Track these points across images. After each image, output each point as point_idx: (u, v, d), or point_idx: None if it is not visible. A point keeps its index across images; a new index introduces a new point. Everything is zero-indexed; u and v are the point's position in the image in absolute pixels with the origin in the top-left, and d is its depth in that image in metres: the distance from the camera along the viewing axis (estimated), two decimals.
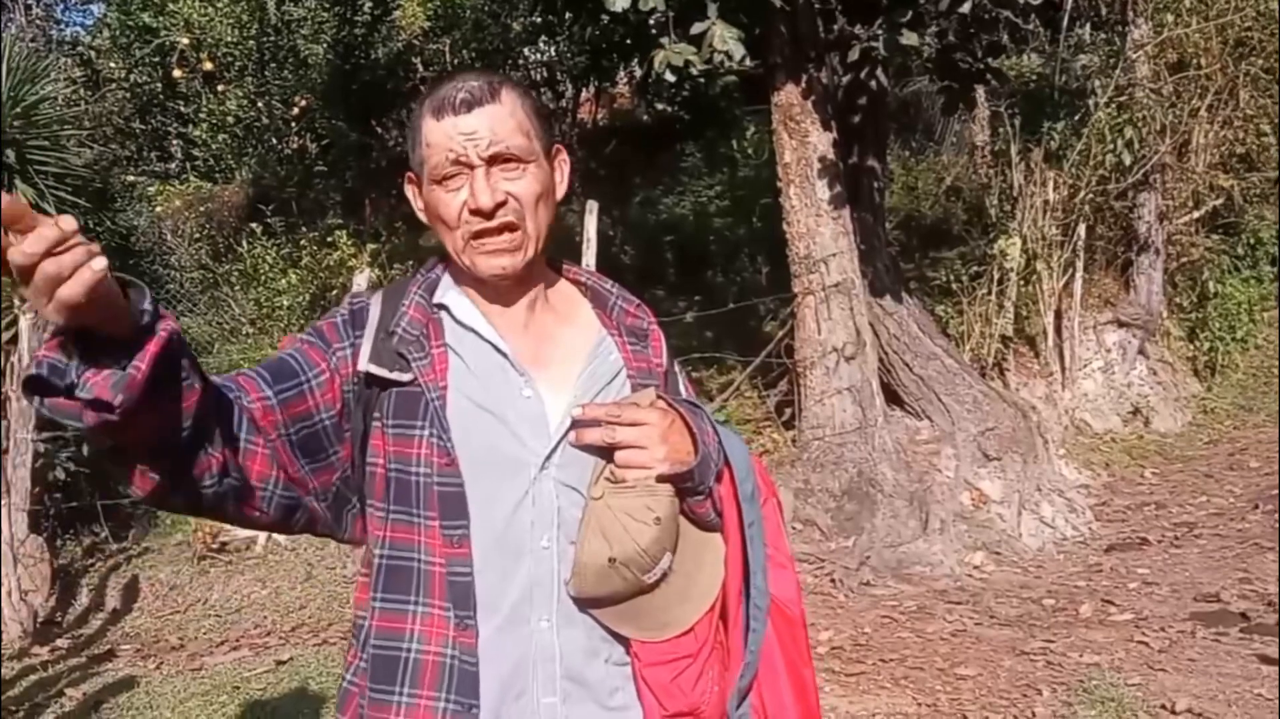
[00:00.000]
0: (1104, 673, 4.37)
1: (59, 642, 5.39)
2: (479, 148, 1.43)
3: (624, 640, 1.49)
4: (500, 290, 1.51)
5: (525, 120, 1.46)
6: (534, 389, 1.49)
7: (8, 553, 5.40)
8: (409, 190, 1.56)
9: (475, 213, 1.44)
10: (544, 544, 1.45)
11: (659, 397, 1.50)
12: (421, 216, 1.55)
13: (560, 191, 1.56)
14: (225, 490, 1.32)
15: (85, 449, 6.77)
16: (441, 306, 1.53)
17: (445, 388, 1.46)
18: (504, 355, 1.49)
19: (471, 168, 1.43)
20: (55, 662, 5.11)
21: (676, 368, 1.68)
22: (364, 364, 1.46)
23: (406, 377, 1.45)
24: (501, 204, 1.43)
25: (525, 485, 1.45)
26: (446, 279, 1.56)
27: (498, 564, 1.44)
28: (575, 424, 1.46)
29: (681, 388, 1.66)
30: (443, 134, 1.44)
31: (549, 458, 1.46)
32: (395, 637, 1.45)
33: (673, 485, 1.45)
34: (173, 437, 1.22)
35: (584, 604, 1.46)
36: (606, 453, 1.48)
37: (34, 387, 1.12)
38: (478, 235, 1.45)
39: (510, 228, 1.45)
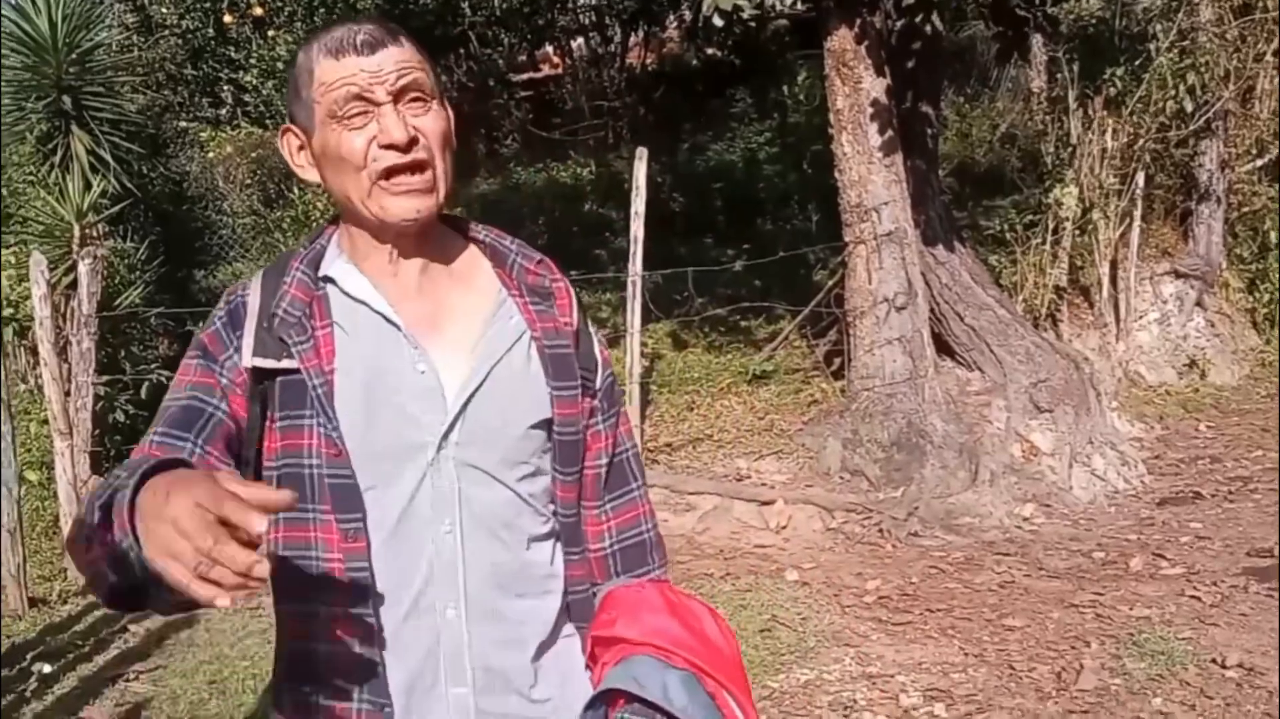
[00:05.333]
0: (1154, 627, 4.35)
1: None
2: (386, 84, 1.32)
3: (553, 635, 1.45)
4: (393, 253, 1.40)
5: (422, 60, 1.37)
6: (428, 362, 1.38)
7: (71, 493, 5.53)
8: (284, 144, 1.43)
9: (388, 148, 1.32)
10: (445, 529, 1.37)
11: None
12: (301, 172, 1.43)
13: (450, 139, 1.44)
14: None
15: (143, 393, 6.90)
16: (328, 280, 1.42)
17: (332, 371, 1.35)
18: (397, 328, 1.38)
19: (377, 104, 1.32)
20: None
21: (591, 328, 1.55)
22: (248, 360, 1.35)
23: (292, 363, 1.35)
24: (413, 141, 1.33)
25: (422, 468, 1.36)
26: (333, 249, 1.45)
27: (397, 555, 1.36)
28: None
29: (596, 352, 1.52)
30: (343, 72, 1.32)
31: (446, 435, 1.37)
32: (305, 640, 1.39)
33: None
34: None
35: None
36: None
37: (114, 593, 1.16)
38: (389, 174, 1.33)
39: (422, 166, 1.34)
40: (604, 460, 1.52)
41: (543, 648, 1.44)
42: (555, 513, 1.47)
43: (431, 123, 1.35)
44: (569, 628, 1.49)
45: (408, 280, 1.41)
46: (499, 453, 1.40)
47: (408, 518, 1.36)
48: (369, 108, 1.32)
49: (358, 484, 1.34)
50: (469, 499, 1.38)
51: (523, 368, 1.43)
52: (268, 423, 1.37)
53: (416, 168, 1.34)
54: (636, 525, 1.55)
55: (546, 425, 1.43)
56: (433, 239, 1.43)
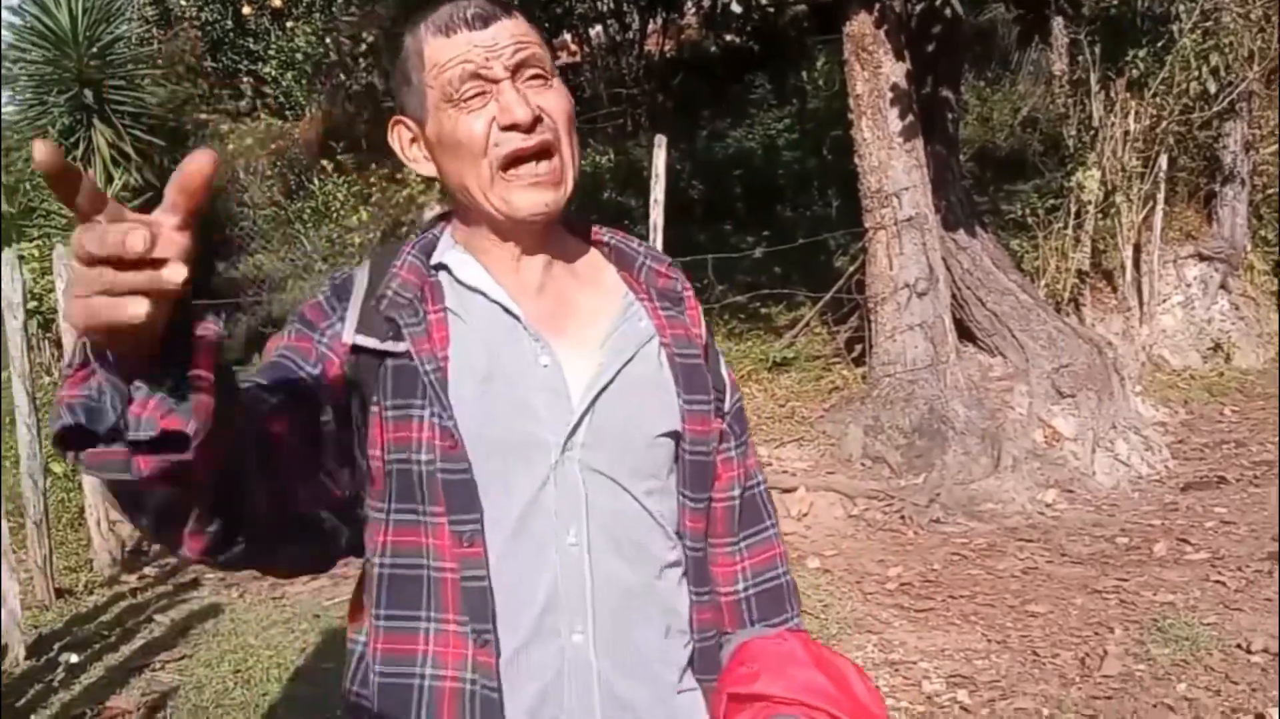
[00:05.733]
0: (1178, 612, 4.33)
1: (146, 570, 5.55)
2: (503, 58, 1.21)
3: (680, 682, 1.29)
4: (514, 249, 1.29)
5: (538, 36, 1.26)
6: (551, 356, 1.25)
7: (96, 484, 5.57)
8: (395, 138, 1.32)
9: (509, 129, 1.21)
10: (571, 540, 1.22)
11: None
12: (415, 166, 1.32)
13: None
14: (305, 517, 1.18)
15: None
16: (441, 267, 1.30)
17: (445, 358, 1.22)
18: (515, 318, 1.26)
19: (495, 81, 1.21)
20: (144, 589, 5.27)
21: (718, 348, 1.43)
22: (349, 335, 1.23)
23: (401, 346, 1.22)
24: (537, 120, 1.21)
25: (545, 471, 1.22)
26: (446, 239, 1.33)
27: (516, 567, 1.21)
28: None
29: (724, 372, 1.41)
30: (455, 50, 1.21)
31: (571, 436, 1.23)
32: (404, 662, 1.22)
33: None
34: (235, 464, 1.01)
35: None
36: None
37: (68, 440, 0.87)
38: (512, 164, 1.22)
39: (548, 152, 1.22)
40: (736, 492, 1.38)
41: (671, 693, 1.28)
42: (684, 544, 1.31)
43: (555, 101, 1.24)
44: (691, 679, 1.31)
45: (529, 277, 1.30)
46: (628, 460, 1.26)
47: (528, 525, 1.22)
48: (486, 86, 1.22)
49: (474, 480, 1.20)
50: (596, 509, 1.24)
51: (653, 373, 1.30)
52: (376, 410, 1.23)
53: (542, 154, 1.23)
54: (773, 568, 1.41)
55: (674, 439, 1.30)
56: (555, 237, 1.32)
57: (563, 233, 1.34)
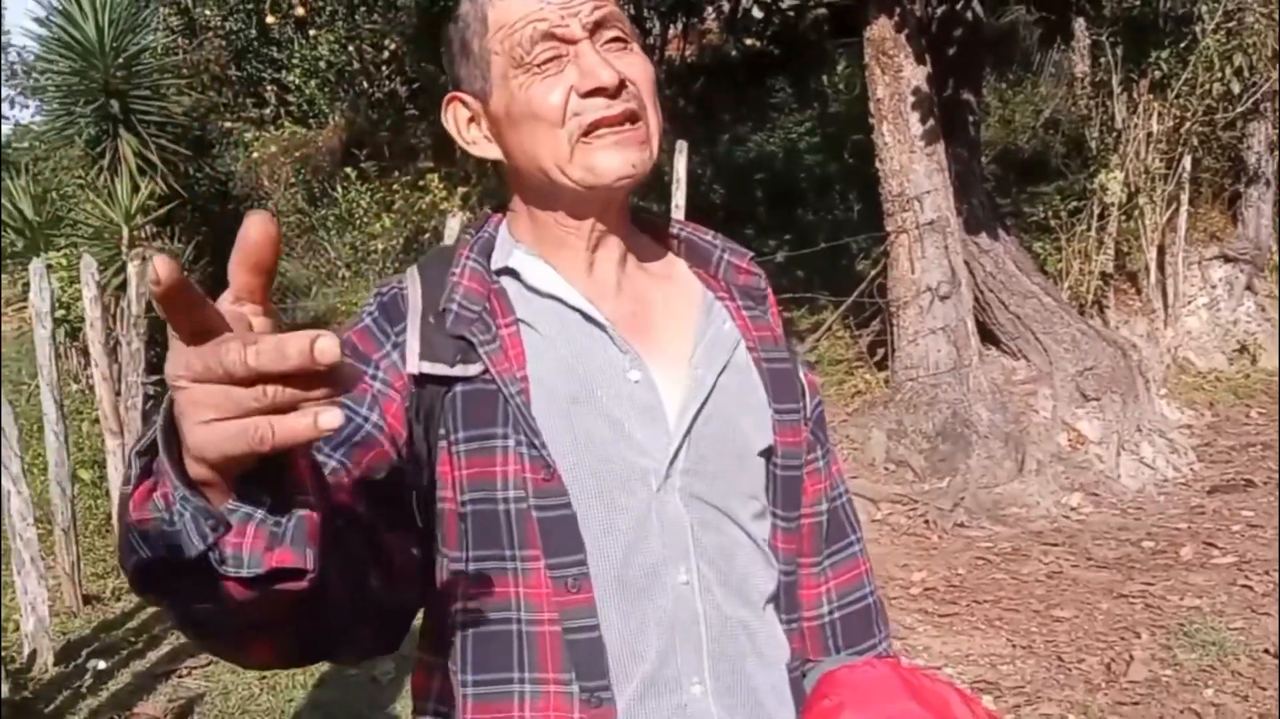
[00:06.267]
0: (1205, 616, 4.31)
1: None
2: (580, 16, 1.06)
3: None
4: (591, 236, 1.13)
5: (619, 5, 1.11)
6: (643, 370, 1.11)
7: None
8: (450, 117, 1.16)
9: (591, 94, 1.06)
10: (682, 579, 1.08)
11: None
12: (474, 149, 1.15)
13: None
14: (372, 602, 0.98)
15: None
16: (505, 272, 1.14)
17: (525, 379, 1.07)
18: (601, 328, 1.11)
19: (573, 42, 1.06)
20: None
21: (795, 347, 1.30)
22: (414, 365, 1.07)
23: (474, 369, 1.06)
24: (623, 84, 1.07)
25: (647, 501, 1.08)
26: (505, 237, 1.17)
27: (625, 612, 1.06)
28: None
29: (802, 373, 1.25)
30: (526, 8, 1.07)
31: (673, 463, 1.09)
32: None
33: None
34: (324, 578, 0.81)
35: None
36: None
37: (145, 579, 0.77)
38: (595, 126, 1.06)
39: (633, 117, 1.08)
40: (823, 507, 1.24)
41: None
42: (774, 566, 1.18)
43: (639, 67, 1.09)
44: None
45: (605, 275, 1.15)
46: (731, 485, 1.13)
47: (632, 565, 1.07)
48: (562, 49, 1.06)
49: (576, 515, 1.05)
50: (702, 541, 1.10)
51: (744, 383, 1.17)
52: (445, 445, 1.07)
53: (627, 118, 1.07)
54: (859, 588, 1.27)
55: (768, 455, 1.16)
56: (626, 230, 1.17)
57: (633, 228, 1.20)
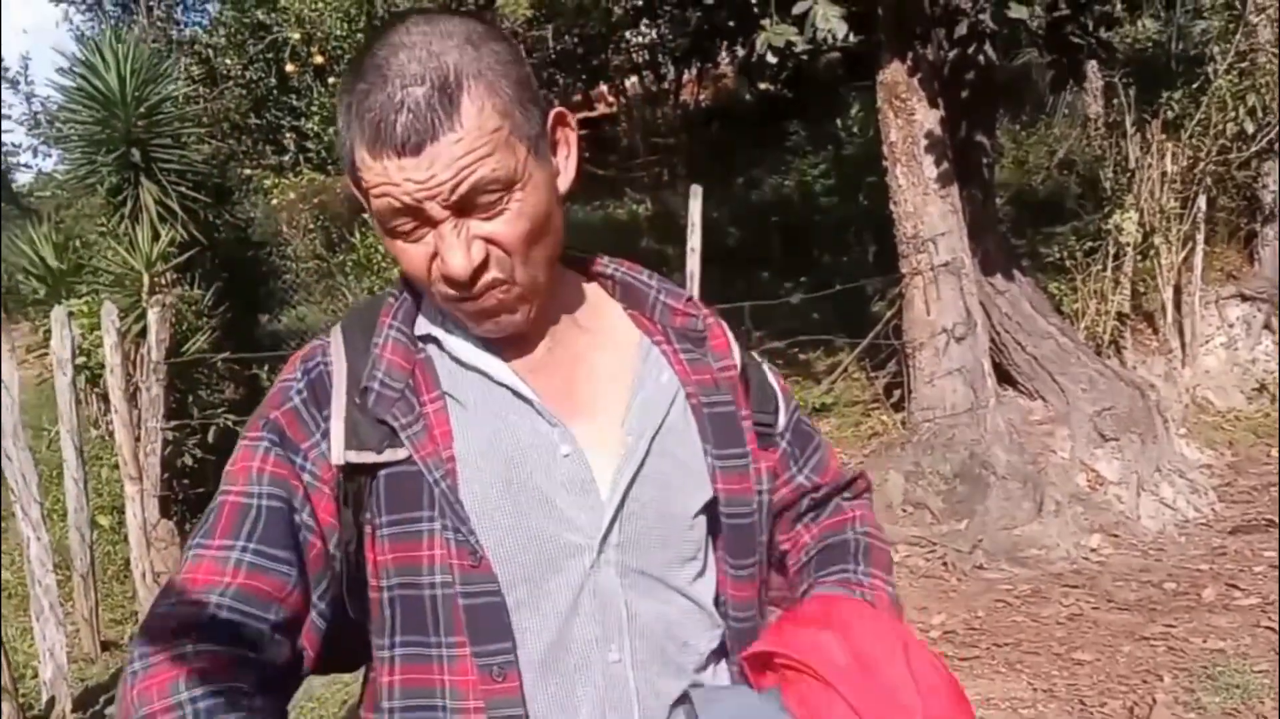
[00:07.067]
0: (1228, 659, 4.26)
1: None
2: (439, 197, 0.98)
3: None
4: None
5: (502, 124, 0.99)
6: (572, 443, 1.07)
7: (141, 537, 5.63)
8: (353, 192, 1.08)
9: (449, 281, 1.02)
10: (614, 658, 1.06)
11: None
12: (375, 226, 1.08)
13: (566, 180, 1.10)
14: None
15: (211, 437, 7.03)
16: (429, 339, 1.11)
17: (451, 459, 1.04)
18: (527, 402, 1.08)
19: (433, 223, 1.00)
20: None
21: (756, 358, 1.26)
22: (338, 455, 1.04)
23: (401, 453, 1.03)
24: (482, 267, 1.02)
25: (579, 579, 1.05)
26: (428, 302, 1.12)
27: (555, 695, 1.04)
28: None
29: (771, 381, 1.24)
30: (384, 174, 0.99)
31: (605, 537, 1.06)
32: None
33: None
34: None
35: None
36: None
37: None
38: (460, 299, 1.04)
39: (498, 285, 1.04)
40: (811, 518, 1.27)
41: None
42: (726, 617, 1.15)
43: (509, 226, 1.01)
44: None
45: (532, 340, 1.12)
46: (669, 551, 1.10)
47: (564, 646, 1.05)
48: (422, 222, 1.01)
49: (505, 603, 1.03)
50: (637, 615, 1.07)
51: (681, 438, 1.13)
52: (370, 530, 1.06)
53: (492, 286, 1.04)
54: (840, 530, 1.26)
55: (711, 507, 1.13)
56: (550, 299, 1.12)
57: (561, 274, 1.15)
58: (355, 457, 1.04)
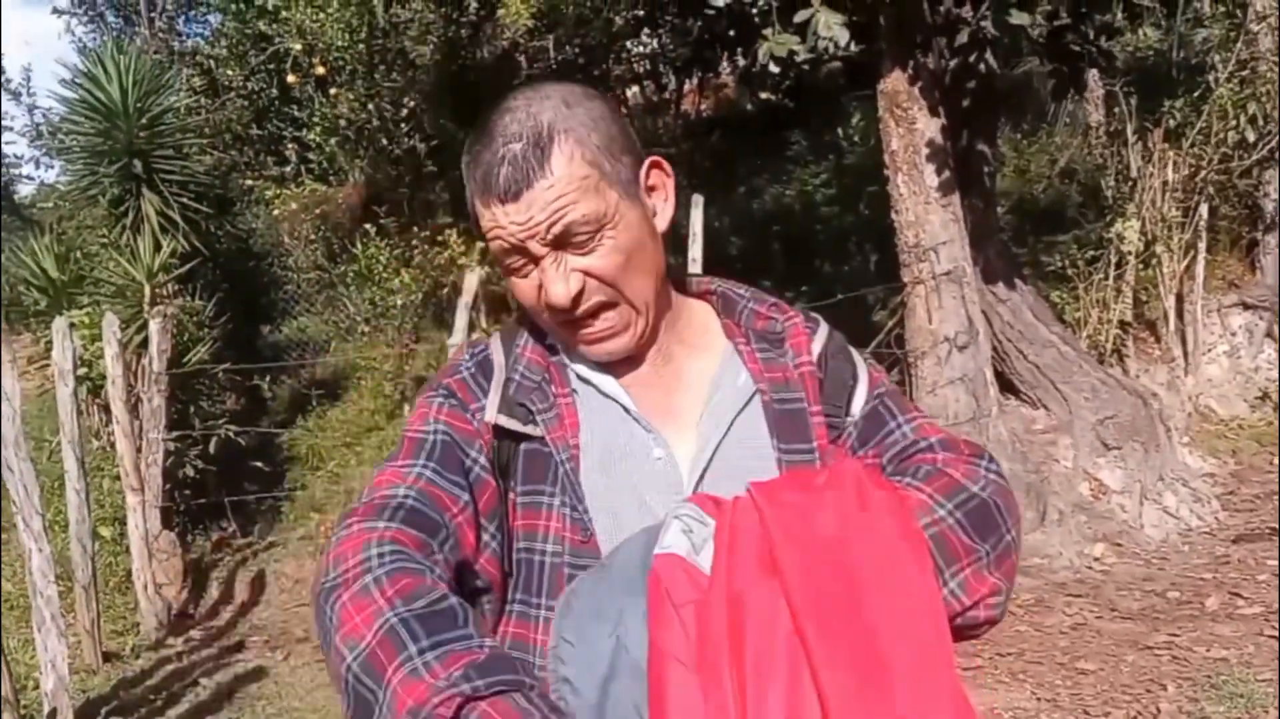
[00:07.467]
0: (1232, 668, 4.25)
1: (192, 633, 5.59)
2: (537, 236, 1.16)
3: None
4: None
5: (591, 172, 1.16)
6: (665, 447, 1.23)
7: (143, 548, 5.62)
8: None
9: (551, 309, 1.20)
10: None
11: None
12: None
13: (663, 219, 1.27)
14: None
15: (212, 448, 7.02)
16: (558, 350, 1.30)
17: (576, 446, 1.21)
18: (627, 410, 1.25)
19: (536, 259, 1.18)
20: (189, 652, 5.31)
21: (849, 352, 1.35)
22: (491, 414, 1.23)
23: (536, 431, 1.22)
24: (580, 293, 1.18)
25: None
26: None
27: None
28: None
29: (851, 375, 1.32)
30: (493, 220, 1.18)
31: None
32: None
33: None
34: None
35: None
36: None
37: None
38: (566, 325, 1.22)
39: (601, 310, 1.21)
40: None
41: None
42: None
43: (602, 260, 1.18)
44: None
45: (640, 363, 1.28)
46: None
47: None
48: (528, 259, 1.19)
49: None
50: None
51: (752, 434, 1.26)
52: (511, 496, 1.22)
53: (598, 310, 1.21)
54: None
55: None
56: (660, 312, 1.29)
57: (672, 298, 1.32)
58: (505, 421, 1.22)
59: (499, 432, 1.23)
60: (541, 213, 1.15)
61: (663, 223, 1.27)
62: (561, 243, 1.17)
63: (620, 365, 1.27)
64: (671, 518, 1.10)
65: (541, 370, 1.26)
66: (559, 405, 1.24)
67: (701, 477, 1.22)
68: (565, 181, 1.15)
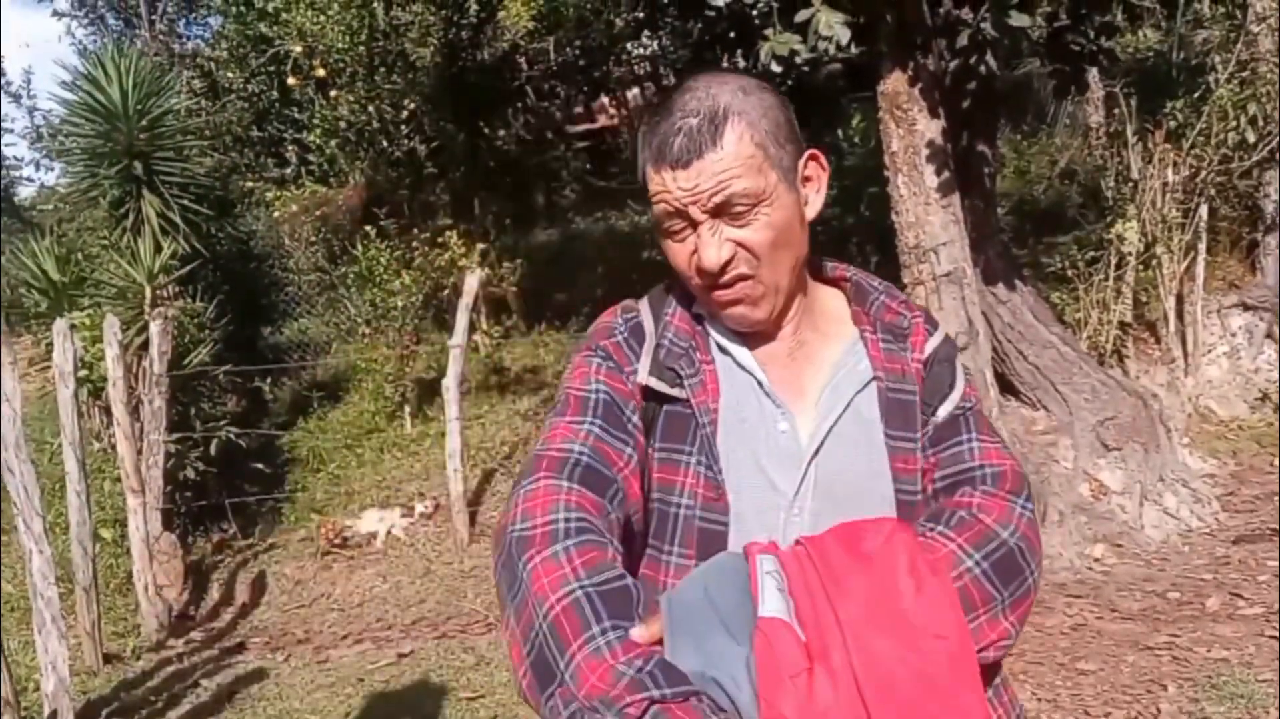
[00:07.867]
0: (1233, 668, 4.24)
1: (193, 634, 5.59)
2: (700, 203, 1.27)
3: None
4: None
5: (756, 153, 1.28)
6: (790, 420, 1.34)
7: (143, 549, 5.62)
8: None
9: (701, 272, 1.31)
10: None
11: None
12: None
13: (813, 209, 1.38)
14: None
15: (213, 449, 7.02)
16: (703, 319, 1.41)
17: (716, 410, 1.33)
18: (759, 383, 1.35)
19: (695, 224, 1.29)
20: (190, 654, 5.31)
21: (955, 362, 1.43)
22: (643, 376, 1.35)
23: (681, 394, 1.33)
24: (729, 261, 1.29)
25: (773, 532, 1.29)
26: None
27: None
28: None
29: (949, 379, 1.41)
30: (662, 184, 1.29)
31: (796, 498, 1.31)
32: None
33: None
34: None
35: None
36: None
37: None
38: (710, 289, 1.33)
39: (743, 279, 1.31)
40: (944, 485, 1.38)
41: None
42: None
43: (755, 233, 1.29)
44: None
45: (775, 341, 1.39)
46: (858, 505, 1.30)
47: None
48: (688, 224, 1.30)
49: (729, 534, 1.29)
50: None
51: (865, 417, 1.36)
52: (651, 452, 1.34)
53: (738, 281, 1.31)
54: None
55: (894, 478, 1.35)
56: (801, 289, 1.41)
57: (809, 286, 1.44)
58: (655, 383, 1.34)
59: (647, 393, 1.35)
60: (708, 181, 1.26)
61: (812, 212, 1.38)
62: (720, 212, 1.28)
63: (756, 339, 1.38)
64: (764, 574, 1.16)
65: (688, 338, 1.37)
66: (703, 372, 1.35)
67: (817, 451, 1.32)
68: (733, 157, 1.26)
